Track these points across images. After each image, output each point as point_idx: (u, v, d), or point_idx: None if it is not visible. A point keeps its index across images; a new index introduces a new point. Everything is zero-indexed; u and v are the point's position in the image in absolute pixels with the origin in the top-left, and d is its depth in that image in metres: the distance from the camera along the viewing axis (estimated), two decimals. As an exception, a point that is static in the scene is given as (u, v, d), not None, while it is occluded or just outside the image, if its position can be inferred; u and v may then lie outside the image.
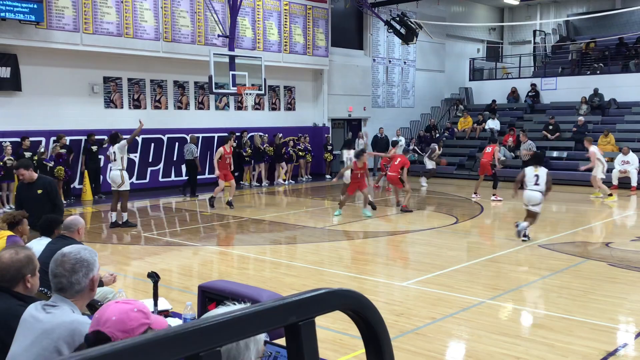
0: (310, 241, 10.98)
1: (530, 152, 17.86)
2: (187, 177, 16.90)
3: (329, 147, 21.28)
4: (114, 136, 12.14)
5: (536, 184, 10.13)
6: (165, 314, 4.39)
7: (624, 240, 10.73)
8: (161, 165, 17.88)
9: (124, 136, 12.22)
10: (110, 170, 12.26)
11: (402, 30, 20.92)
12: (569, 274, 8.31)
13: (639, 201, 15.68)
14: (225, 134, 18.46)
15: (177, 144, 18.03)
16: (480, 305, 6.84)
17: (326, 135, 21.46)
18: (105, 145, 14.61)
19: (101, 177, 15.76)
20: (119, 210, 11.95)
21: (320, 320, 1.14)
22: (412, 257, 9.76)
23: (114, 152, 11.78)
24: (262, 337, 1.53)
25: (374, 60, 23.71)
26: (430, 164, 18.50)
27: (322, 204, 15.57)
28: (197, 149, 16.95)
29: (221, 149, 14.11)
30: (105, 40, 15.64)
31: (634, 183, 16.98)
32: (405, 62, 25.04)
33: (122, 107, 16.95)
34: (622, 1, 26.43)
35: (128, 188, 11.93)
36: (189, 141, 16.91)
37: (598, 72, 22.93)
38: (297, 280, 8.05)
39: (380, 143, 21.89)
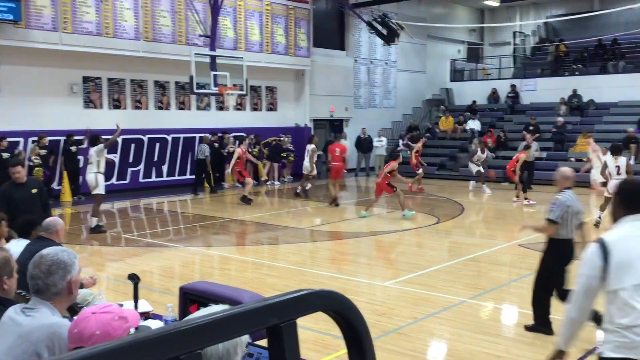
0: (293, 242, 10.97)
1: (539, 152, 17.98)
2: (204, 176, 17.62)
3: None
4: (94, 138, 11.97)
5: (619, 173, 10.91)
6: (146, 315, 4.36)
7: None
8: (142, 166, 17.73)
9: (105, 137, 12.06)
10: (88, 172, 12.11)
11: (384, 31, 20.96)
12: (549, 273, 8.38)
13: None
14: (208, 134, 18.37)
15: (157, 144, 17.91)
16: (462, 305, 6.89)
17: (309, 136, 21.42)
18: (84, 146, 14.45)
19: (80, 178, 15.57)
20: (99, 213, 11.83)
21: (303, 321, 1.14)
22: (394, 257, 9.79)
23: (91, 155, 11.61)
24: (246, 338, 1.52)
25: (356, 60, 23.75)
26: (474, 167, 17.51)
27: (305, 204, 15.55)
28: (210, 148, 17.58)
29: (239, 149, 14.09)
30: (85, 39, 15.48)
31: (612, 183, 17.14)
32: (386, 63, 25.12)
33: (101, 107, 16.78)
34: (600, 3, 26.77)
35: (102, 192, 11.45)
36: (201, 141, 17.57)
37: (577, 73, 23.20)
38: (279, 281, 8.04)
39: (364, 143, 21.97)
